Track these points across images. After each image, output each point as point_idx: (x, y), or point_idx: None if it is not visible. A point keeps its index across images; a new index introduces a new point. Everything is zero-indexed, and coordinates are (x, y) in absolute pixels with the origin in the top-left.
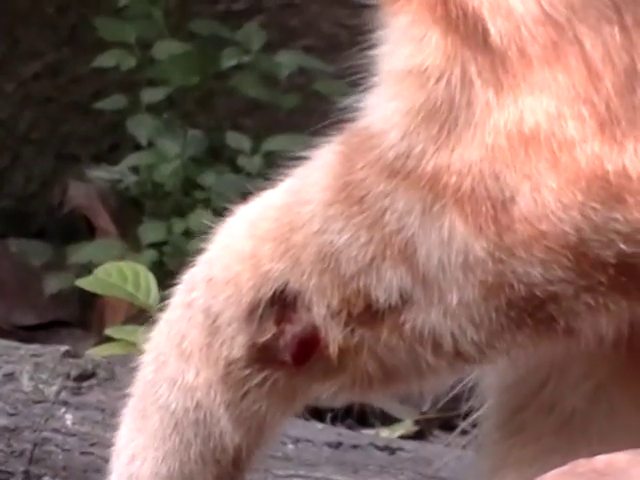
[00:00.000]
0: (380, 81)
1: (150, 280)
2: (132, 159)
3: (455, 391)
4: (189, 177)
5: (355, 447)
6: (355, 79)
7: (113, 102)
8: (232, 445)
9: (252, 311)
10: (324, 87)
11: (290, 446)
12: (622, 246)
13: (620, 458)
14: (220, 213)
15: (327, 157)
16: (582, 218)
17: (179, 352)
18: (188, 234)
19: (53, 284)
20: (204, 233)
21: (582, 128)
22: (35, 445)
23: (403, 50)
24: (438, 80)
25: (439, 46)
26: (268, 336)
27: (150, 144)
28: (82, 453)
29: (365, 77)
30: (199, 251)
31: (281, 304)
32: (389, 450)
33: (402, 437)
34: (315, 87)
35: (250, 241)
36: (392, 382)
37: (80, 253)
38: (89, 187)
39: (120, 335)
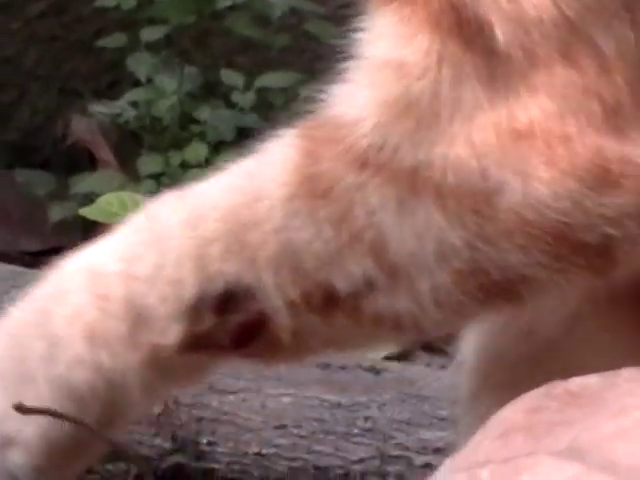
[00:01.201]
0: (355, 69)
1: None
2: (132, 95)
3: None
4: (185, 112)
5: (343, 368)
6: (345, 21)
7: (114, 40)
8: (130, 403)
9: (194, 308)
10: (314, 28)
11: (281, 367)
12: (608, 230)
13: (593, 381)
14: (214, 146)
15: (284, 151)
16: (573, 205)
17: (84, 335)
18: (184, 166)
19: (57, 213)
20: (199, 165)
21: (586, 122)
22: None
23: (387, 42)
24: (421, 77)
25: (427, 44)
26: (208, 326)
27: (149, 80)
28: None
29: (354, 18)
30: (194, 181)
31: (228, 299)
32: (374, 371)
33: (386, 358)
34: (306, 28)
35: (191, 241)
36: (336, 349)
37: (82, 183)
38: (91, 121)
39: None
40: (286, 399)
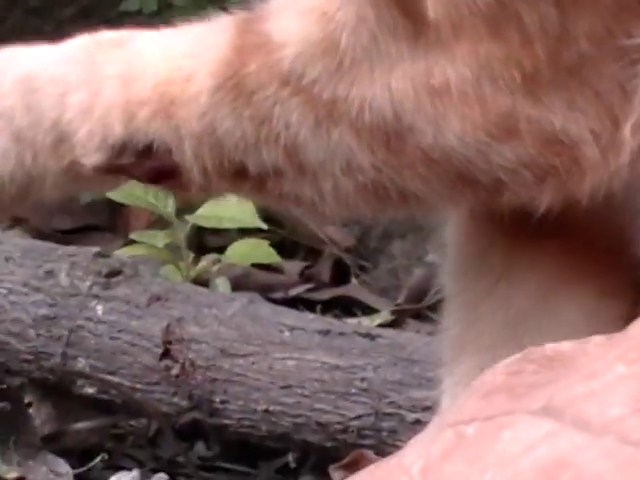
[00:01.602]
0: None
1: (168, 192)
2: None
3: (425, 286)
4: None
5: (341, 334)
6: None
7: None
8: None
9: (117, 148)
10: None
11: (286, 333)
12: (502, 176)
13: (566, 346)
14: None
15: (218, 42)
16: (477, 153)
17: (12, 134)
18: None
19: (86, 195)
20: None
21: (503, 86)
22: (71, 331)
23: None
24: (343, 28)
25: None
26: (127, 163)
27: None
28: (110, 338)
29: None
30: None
31: (149, 150)
32: (370, 337)
33: (380, 325)
34: None
35: (122, 97)
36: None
37: None
38: None
39: (142, 238)
40: (290, 362)
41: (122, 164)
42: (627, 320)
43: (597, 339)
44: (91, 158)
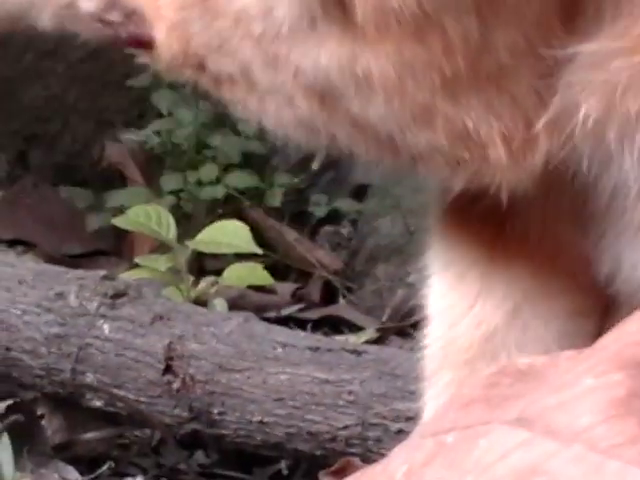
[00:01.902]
0: None
1: (170, 219)
2: (156, 125)
3: (407, 306)
4: (200, 139)
5: (330, 350)
6: None
7: (141, 80)
8: None
9: (109, 3)
10: None
11: (279, 350)
12: (417, 154)
13: (539, 360)
14: (224, 167)
15: None
16: (397, 131)
17: None
18: (200, 183)
19: (94, 222)
20: (211, 183)
21: (424, 84)
22: (80, 349)
23: None
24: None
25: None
26: (114, 20)
27: (170, 113)
28: (116, 355)
29: None
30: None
31: (136, 15)
32: (356, 353)
33: (366, 342)
34: None
35: None
36: None
37: (115, 198)
38: (122, 146)
39: (146, 262)
40: (283, 376)
41: (111, 20)
42: (596, 337)
43: (567, 353)
44: (87, 3)
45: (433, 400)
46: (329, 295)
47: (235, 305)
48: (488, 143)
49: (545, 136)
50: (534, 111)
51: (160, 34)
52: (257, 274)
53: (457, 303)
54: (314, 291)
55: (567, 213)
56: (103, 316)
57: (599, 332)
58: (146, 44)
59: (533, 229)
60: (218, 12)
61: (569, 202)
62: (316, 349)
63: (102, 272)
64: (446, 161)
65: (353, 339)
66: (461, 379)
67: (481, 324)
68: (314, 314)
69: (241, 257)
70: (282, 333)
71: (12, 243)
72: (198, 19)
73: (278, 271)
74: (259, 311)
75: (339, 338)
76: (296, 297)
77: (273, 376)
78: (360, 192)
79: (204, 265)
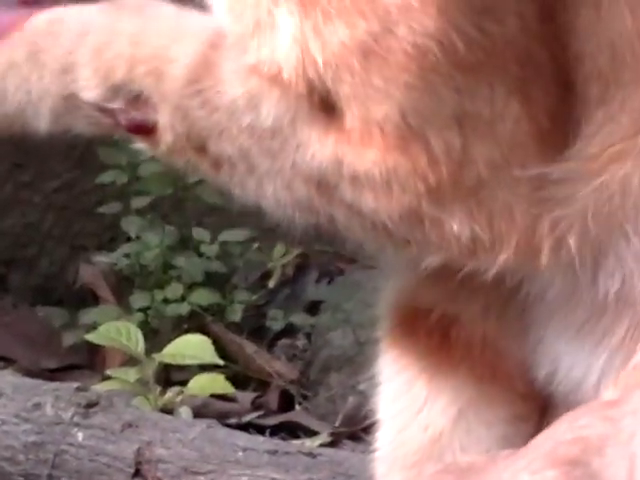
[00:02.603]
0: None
1: (138, 335)
2: (125, 248)
3: (358, 412)
4: (166, 260)
5: (287, 453)
6: None
7: (111, 208)
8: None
9: (114, 90)
10: None
11: (240, 453)
12: (407, 240)
13: (479, 459)
14: (189, 286)
15: (195, 43)
16: (387, 223)
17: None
18: (166, 301)
19: (69, 338)
20: (177, 300)
21: (408, 190)
22: (56, 455)
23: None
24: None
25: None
26: (115, 107)
27: (138, 237)
28: (90, 460)
29: None
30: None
31: (139, 100)
32: (311, 455)
33: (321, 445)
34: None
35: (130, 49)
36: None
37: (88, 316)
38: (94, 268)
39: (117, 375)
40: (244, 478)
41: (112, 108)
42: None
43: (505, 452)
44: (90, 93)
45: None
46: (286, 402)
47: (199, 413)
48: (470, 245)
49: (513, 254)
50: (506, 229)
51: (164, 117)
52: (219, 384)
53: (406, 408)
54: (272, 399)
55: (508, 321)
56: (77, 425)
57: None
58: (146, 129)
59: (475, 339)
60: (215, 104)
61: (511, 311)
62: (274, 452)
63: (76, 384)
64: (432, 249)
65: (309, 443)
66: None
67: (428, 428)
68: (272, 420)
69: (204, 368)
70: (242, 438)
71: None
72: (199, 108)
73: (239, 381)
74: (222, 418)
75: (296, 442)
76: (255, 405)
77: (235, 478)
78: (313, 307)
79: (170, 376)
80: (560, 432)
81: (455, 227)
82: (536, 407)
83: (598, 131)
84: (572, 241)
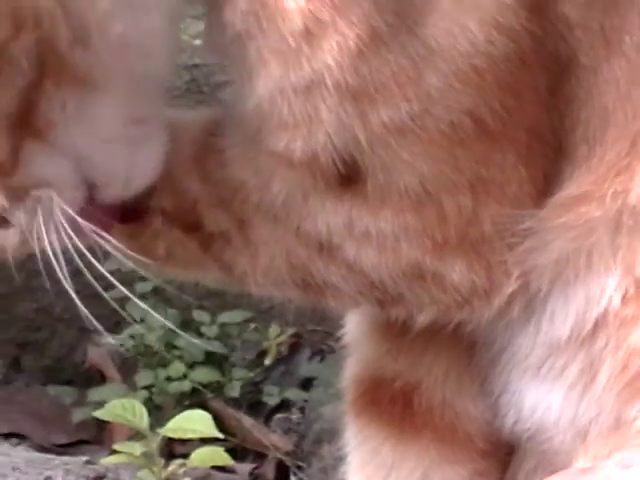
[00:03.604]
0: None
1: (143, 411)
2: (130, 330)
3: None
4: (169, 341)
5: None
6: None
7: (117, 293)
8: None
9: None
10: None
11: None
12: (404, 296)
13: None
14: (190, 365)
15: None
16: (388, 280)
17: None
18: (169, 379)
19: (78, 415)
20: (179, 378)
21: (416, 245)
22: None
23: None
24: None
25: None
26: None
27: (142, 319)
28: None
29: None
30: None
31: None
32: None
33: None
34: None
35: None
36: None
37: (96, 394)
38: (102, 350)
39: (123, 449)
40: None
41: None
42: None
43: None
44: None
45: None
46: (282, 473)
47: None
48: (467, 296)
49: (505, 300)
50: (502, 278)
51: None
52: (219, 456)
53: (373, 474)
54: (269, 470)
55: (467, 382)
56: None
57: None
58: (146, 220)
59: (436, 404)
60: (217, 180)
61: (472, 371)
62: None
63: (85, 458)
64: (428, 303)
65: None
66: None
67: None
68: None
69: (205, 442)
70: None
71: (7, 436)
72: (199, 182)
73: (238, 453)
74: None
75: None
76: (254, 475)
77: None
78: (307, 383)
79: (173, 449)
80: None
81: (456, 279)
82: (495, 463)
83: (576, 181)
84: (542, 287)
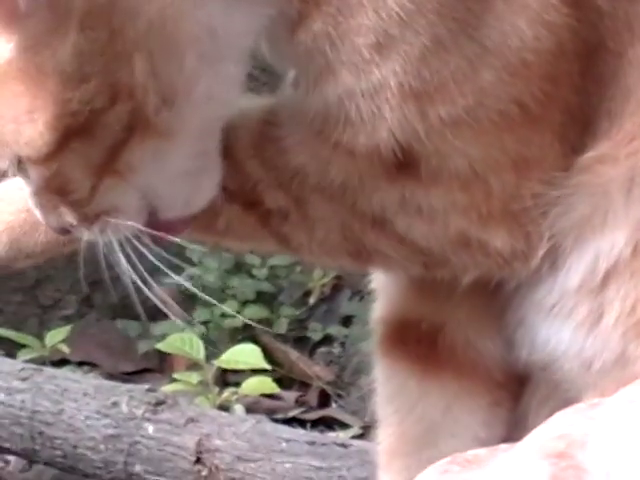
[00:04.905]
0: None
1: (199, 344)
2: (190, 271)
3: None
4: (223, 281)
5: (324, 444)
6: None
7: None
8: None
9: None
10: None
11: (284, 444)
12: (451, 261)
13: (482, 452)
14: (242, 303)
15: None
16: (437, 249)
17: None
18: (223, 316)
19: (143, 346)
20: (232, 315)
21: (463, 217)
22: (130, 445)
23: None
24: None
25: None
26: None
27: (200, 262)
28: (158, 450)
29: None
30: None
31: None
32: (344, 446)
33: (352, 437)
34: None
35: None
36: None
37: (159, 328)
38: (164, 288)
39: (182, 378)
40: (287, 465)
41: None
42: (508, 422)
43: (503, 446)
44: None
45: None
46: (324, 400)
47: (251, 409)
48: (509, 259)
49: (540, 258)
50: (537, 241)
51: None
52: (267, 385)
53: (401, 406)
54: (312, 397)
55: (488, 322)
56: (148, 420)
57: (513, 417)
58: None
59: (459, 343)
60: (276, 164)
61: (492, 312)
62: (313, 443)
63: (147, 386)
64: (472, 266)
65: (342, 435)
66: (410, 466)
67: (422, 421)
68: (313, 415)
69: (255, 372)
70: (286, 431)
71: (80, 364)
72: (259, 166)
73: (284, 382)
74: (270, 413)
75: (331, 434)
76: (298, 402)
77: (280, 465)
78: (347, 321)
79: (227, 379)
80: (549, 429)
81: (498, 245)
82: (510, 394)
83: (597, 148)
84: (567, 246)
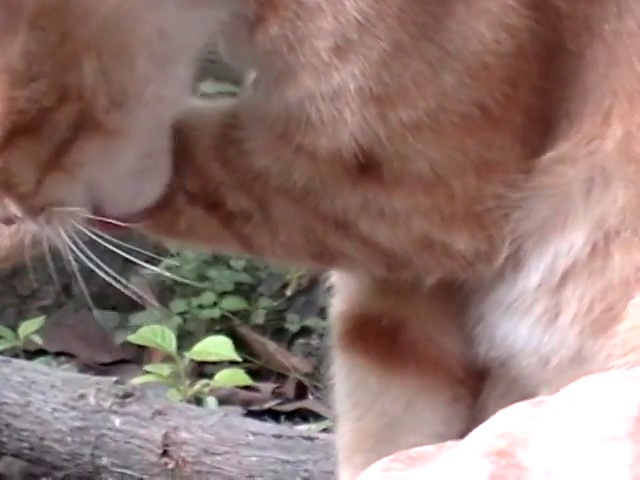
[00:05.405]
0: None
1: (172, 336)
2: (167, 262)
3: None
4: (201, 272)
5: (290, 437)
6: None
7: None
8: None
9: None
10: None
11: (251, 437)
12: (414, 262)
13: (428, 449)
14: (220, 294)
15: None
16: (400, 251)
17: None
18: (201, 307)
19: (120, 337)
20: (210, 306)
21: (425, 220)
22: (97, 438)
23: None
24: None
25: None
26: None
27: (178, 253)
28: (125, 442)
29: None
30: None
31: None
32: (310, 439)
33: (325, 430)
34: None
35: None
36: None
37: (136, 319)
38: (143, 281)
39: (153, 370)
40: (254, 458)
41: None
42: (467, 418)
43: (449, 443)
44: None
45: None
46: (301, 392)
47: (227, 401)
48: (473, 261)
49: (503, 260)
50: (500, 243)
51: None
52: (240, 377)
53: (361, 402)
54: (289, 389)
55: (448, 318)
56: (115, 412)
57: (471, 415)
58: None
59: (420, 339)
60: (238, 166)
61: (452, 308)
62: (279, 436)
63: (114, 378)
64: (436, 267)
65: (315, 427)
66: (369, 462)
67: (382, 416)
68: (289, 407)
69: (232, 364)
70: (253, 424)
71: (57, 354)
72: (221, 168)
73: (262, 374)
74: (246, 405)
75: (298, 428)
76: (275, 394)
77: (246, 458)
78: (325, 312)
79: (204, 371)
80: (492, 427)
81: (461, 247)
82: (469, 390)
83: (556, 148)
84: (528, 248)
